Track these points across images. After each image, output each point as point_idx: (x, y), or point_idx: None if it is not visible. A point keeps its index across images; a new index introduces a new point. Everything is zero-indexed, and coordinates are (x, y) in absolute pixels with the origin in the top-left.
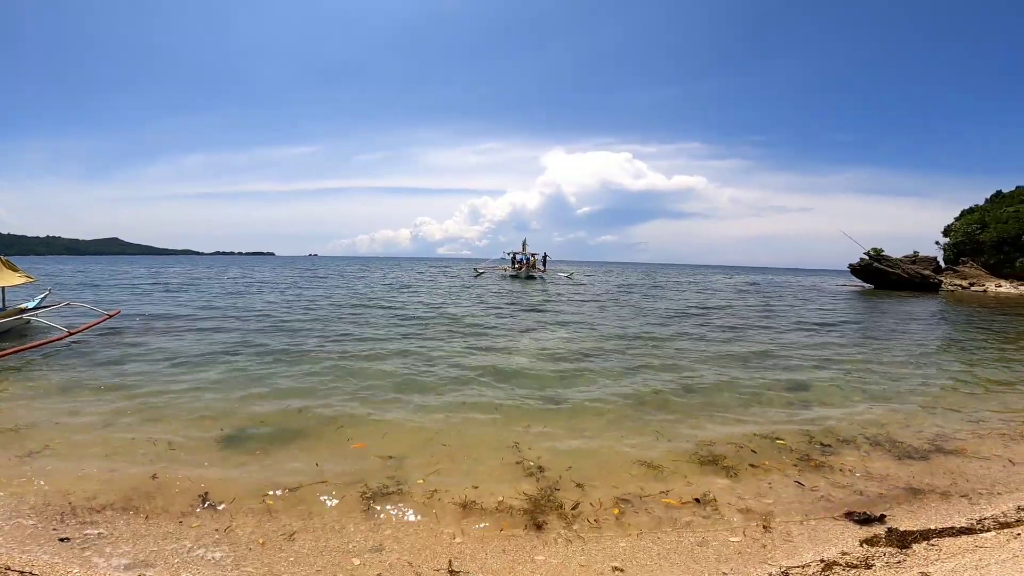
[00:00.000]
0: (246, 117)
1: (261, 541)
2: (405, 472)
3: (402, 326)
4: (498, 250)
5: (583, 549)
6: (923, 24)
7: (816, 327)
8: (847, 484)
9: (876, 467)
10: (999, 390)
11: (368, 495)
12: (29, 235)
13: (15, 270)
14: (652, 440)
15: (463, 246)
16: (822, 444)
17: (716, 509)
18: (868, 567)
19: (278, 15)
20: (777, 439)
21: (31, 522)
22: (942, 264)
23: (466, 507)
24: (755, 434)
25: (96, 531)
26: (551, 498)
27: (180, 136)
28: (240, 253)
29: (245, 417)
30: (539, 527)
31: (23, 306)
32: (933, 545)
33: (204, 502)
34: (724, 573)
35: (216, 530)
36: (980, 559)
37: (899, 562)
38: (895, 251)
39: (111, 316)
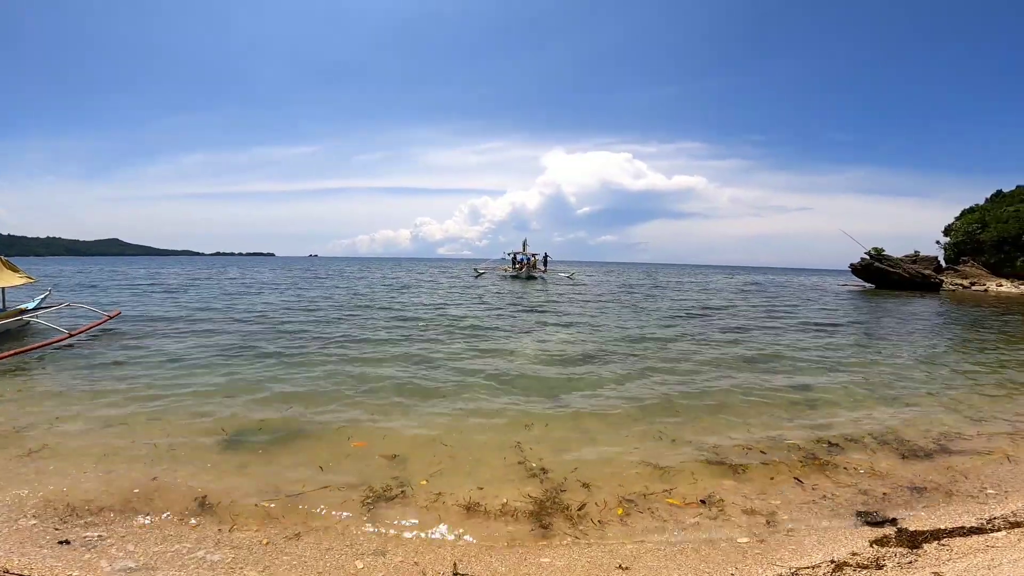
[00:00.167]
0: (246, 117)
1: (263, 543)
2: (408, 473)
3: (403, 327)
4: (498, 250)
5: (588, 550)
6: (923, 24)
7: (820, 327)
8: (854, 484)
9: (883, 467)
10: (1005, 390)
11: (371, 497)
12: (29, 236)
13: (15, 271)
14: (656, 441)
15: (463, 246)
16: (828, 444)
17: (722, 509)
18: (879, 567)
19: (278, 15)
20: (783, 439)
21: (30, 524)
22: (943, 264)
23: (470, 509)
24: (761, 434)
25: (96, 533)
26: (556, 500)
27: (180, 136)
28: (240, 254)
29: (246, 419)
30: (545, 529)
31: (23, 307)
32: (944, 545)
33: (205, 504)
34: (732, 574)
35: (217, 532)
36: (992, 559)
37: (911, 562)
38: (895, 251)
39: (111, 317)
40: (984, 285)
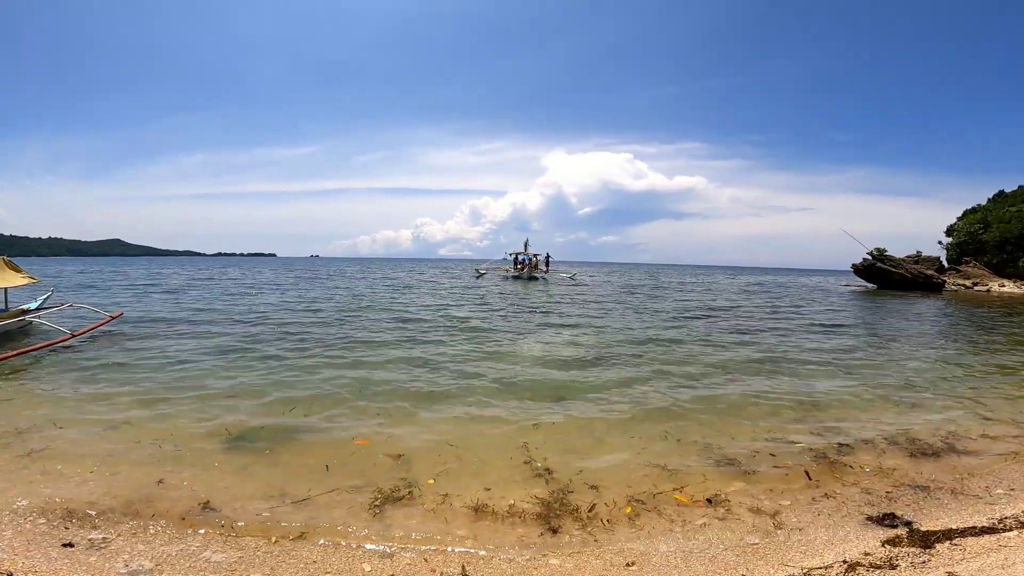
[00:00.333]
0: (246, 117)
1: (269, 545)
2: (414, 474)
3: (405, 328)
4: (499, 251)
5: (597, 552)
6: (923, 23)
7: (825, 328)
8: (863, 484)
9: (892, 467)
10: (1013, 390)
11: (377, 497)
12: (31, 236)
13: (17, 271)
14: (663, 441)
15: (464, 247)
16: (837, 445)
17: (731, 510)
18: (892, 567)
19: (278, 15)
20: (791, 440)
21: (34, 526)
22: (945, 264)
23: (478, 510)
24: (768, 435)
25: (101, 535)
26: (563, 501)
27: (180, 136)
28: (241, 254)
29: (250, 420)
30: (554, 531)
31: (26, 307)
32: (956, 545)
33: (210, 505)
34: (743, 574)
35: (222, 534)
36: (1006, 558)
37: (924, 562)
38: (897, 251)
39: (114, 318)
40: (987, 285)
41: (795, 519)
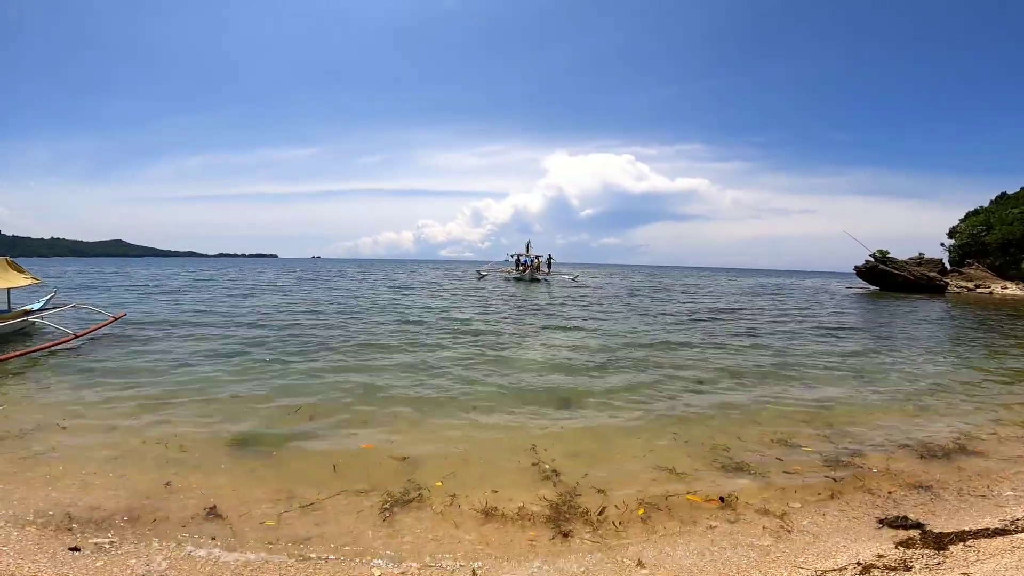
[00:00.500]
0: (247, 118)
1: (278, 550)
2: (421, 476)
3: (408, 330)
4: (500, 252)
5: (610, 556)
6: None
7: (831, 331)
8: (874, 486)
9: (902, 469)
10: (1020, 391)
11: (384, 500)
12: (33, 236)
13: (21, 271)
14: (670, 444)
15: (466, 248)
16: (844, 447)
17: (742, 512)
18: (907, 569)
19: (279, 15)
20: (798, 443)
21: (40, 531)
22: (947, 266)
23: (487, 513)
24: (776, 438)
25: (107, 539)
26: (572, 503)
27: (182, 137)
28: (243, 255)
29: (255, 421)
30: (565, 535)
31: (29, 308)
32: (970, 546)
33: (217, 508)
34: None
35: (229, 537)
36: (1020, 559)
37: (939, 563)
38: (898, 253)
39: (117, 319)
40: (989, 287)
41: (806, 521)
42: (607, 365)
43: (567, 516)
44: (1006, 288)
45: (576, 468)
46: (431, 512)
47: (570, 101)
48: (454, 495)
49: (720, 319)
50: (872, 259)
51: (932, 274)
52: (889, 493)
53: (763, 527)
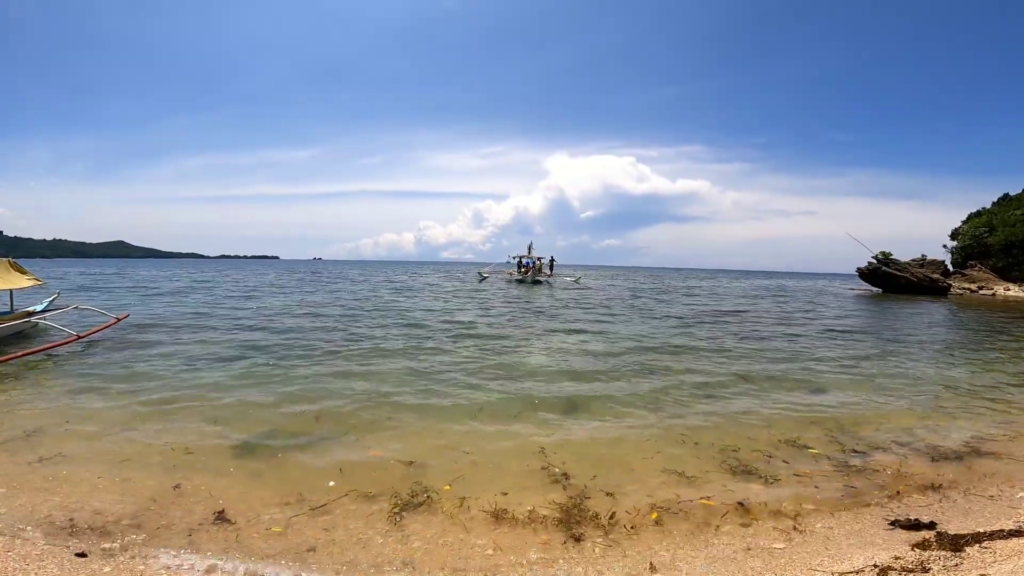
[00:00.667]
0: (248, 119)
1: (288, 555)
2: (429, 480)
3: (411, 333)
4: (501, 254)
5: (622, 561)
6: (925, 24)
7: (836, 333)
8: (886, 488)
9: (914, 471)
10: None
11: (393, 505)
12: (35, 238)
13: (23, 273)
14: (678, 447)
15: (466, 250)
16: (853, 449)
17: (755, 516)
18: (925, 571)
19: (281, 16)
20: (807, 446)
21: (46, 535)
22: (950, 268)
23: (497, 517)
24: (785, 440)
25: (116, 544)
26: (582, 507)
27: (183, 138)
28: (244, 257)
29: (261, 424)
30: (577, 539)
31: (31, 309)
32: (986, 548)
33: (223, 513)
34: None
35: (237, 543)
36: None
37: (956, 565)
38: (899, 254)
39: (119, 320)
40: (992, 289)
41: (819, 524)
42: (613, 368)
43: (578, 519)
44: (1009, 290)
45: (585, 471)
46: (440, 516)
47: (571, 102)
48: (463, 499)
49: (725, 321)
50: (874, 261)
51: (935, 276)
52: (901, 495)
53: (776, 530)
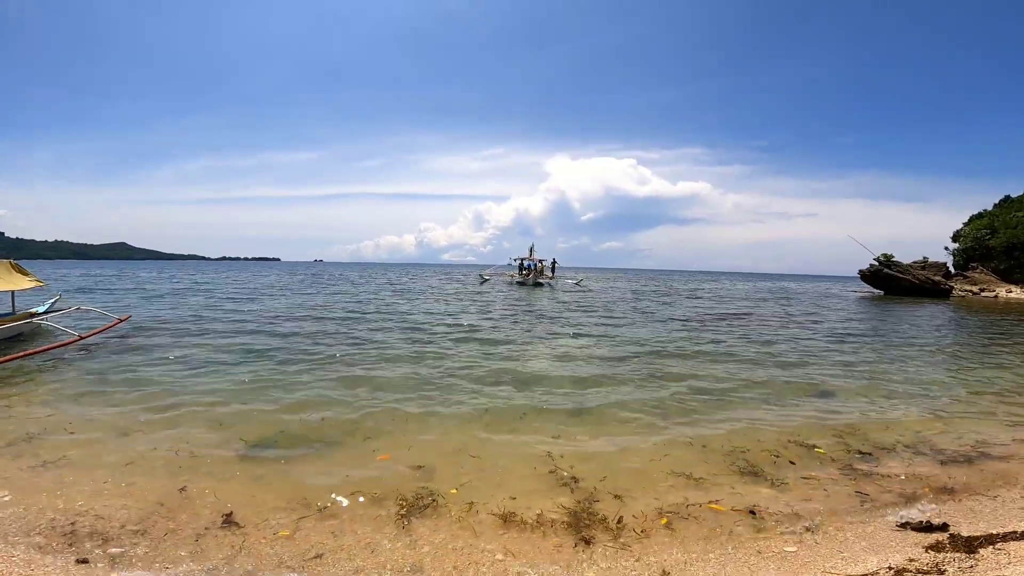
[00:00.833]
0: (250, 122)
1: (296, 560)
2: (436, 484)
3: (413, 335)
4: (502, 256)
5: (634, 564)
6: (926, 26)
7: (841, 335)
8: (895, 490)
9: (923, 473)
10: None
11: (401, 509)
12: (37, 239)
13: (25, 274)
14: (685, 450)
15: (467, 252)
16: (861, 452)
17: (765, 518)
18: (940, 573)
19: (282, 17)
20: (815, 448)
21: (48, 540)
22: (952, 270)
23: (506, 521)
24: (792, 443)
25: (119, 550)
26: (591, 510)
27: (186, 140)
28: (246, 258)
29: (265, 427)
30: (588, 543)
31: (33, 310)
32: (999, 549)
33: (229, 518)
34: None
35: (243, 548)
36: None
37: (971, 567)
38: (900, 256)
39: (121, 321)
40: (994, 291)
41: (831, 526)
42: (618, 371)
43: (587, 523)
44: (1011, 292)
45: (592, 475)
46: (448, 520)
47: (571, 103)
48: (471, 503)
49: (729, 324)
50: (876, 263)
51: (937, 278)
52: (912, 498)
53: (787, 533)
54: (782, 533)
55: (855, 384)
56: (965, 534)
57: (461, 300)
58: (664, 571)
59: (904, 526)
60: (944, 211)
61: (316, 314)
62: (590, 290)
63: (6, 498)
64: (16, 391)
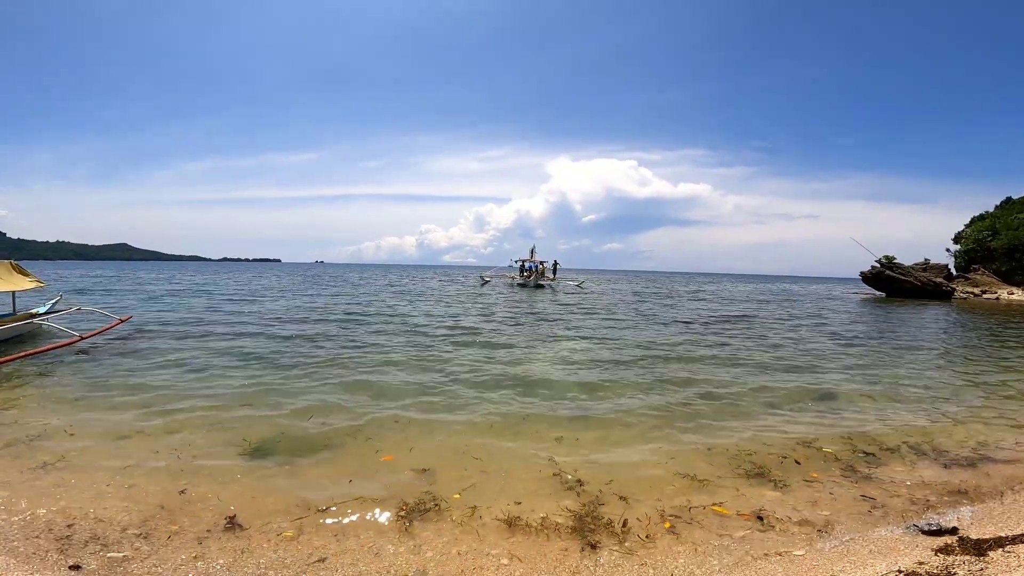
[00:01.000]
0: (251, 123)
1: (301, 564)
2: (440, 487)
3: (415, 338)
4: (503, 258)
5: (640, 570)
6: (927, 27)
7: (846, 338)
8: (901, 493)
9: (926, 476)
10: None
11: (405, 513)
12: (38, 240)
13: (25, 275)
14: (690, 452)
15: (468, 254)
16: (865, 453)
17: (771, 522)
18: None
19: (282, 18)
20: (822, 448)
21: (47, 544)
22: (953, 271)
23: (511, 525)
24: (797, 445)
25: (120, 554)
26: (596, 514)
27: (187, 141)
28: (247, 259)
29: (268, 429)
30: (594, 547)
31: (34, 311)
32: (1009, 552)
33: (231, 521)
34: None
35: (245, 552)
36: None
37: (981, 570)
38: (902, 258)
39: (122, 321)
40: (995, 293)
41: (838, 529)
42: (621, 374)
43: (592, 527)
44: (1012, 294)
45: (597, 478)
46: (452, 524)
47: (572, 105)
48: (474, 507)
49: (733, 326)
50: (878, 265)
51: (938, 280)
52: (921, 501)
53: (794, 536)
54: (789, 536)
55: (861, 387)
56: (974, 537)
57: (462, 302)
58: (671, 574)
59: (913, 529)
60: (945, 212)
61: (317, 316)
62: (592, 292)
63: (5, 501)
64: (16, 392)
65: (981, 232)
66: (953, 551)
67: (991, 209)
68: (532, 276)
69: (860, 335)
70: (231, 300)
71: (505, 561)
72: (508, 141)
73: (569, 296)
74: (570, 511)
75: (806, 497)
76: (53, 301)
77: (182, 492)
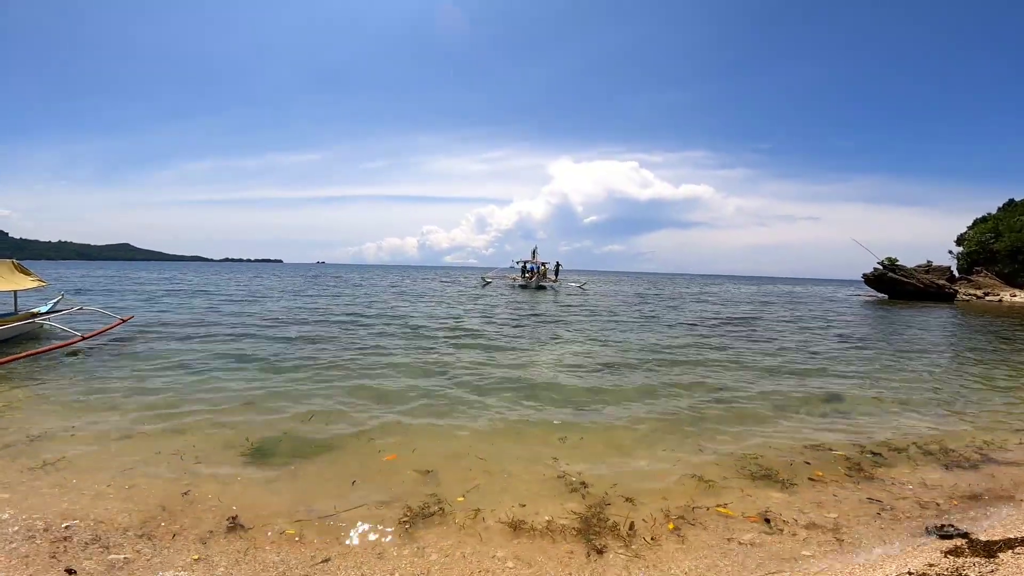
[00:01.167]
0: (253, 123)
1: (303, 567)
2: (443, 489)
3: (417, 339)
4: (504, 259)
5: (647, 573)
6: (928, 29)
7: (850, 340)
8: (908, 495)
9: (932, 478)
10: None
11: (408, 516)
12: (40, 240)
13: (27, 274)
14: (696, 454)
15: (469, 255)
16: (872, 454)
17: (778, 524)
18: None
19: (284, 19)
20: (830, 455)
21: (48, 546)
22: (956, 274)
23: (515, 528)
24: (802, 446)
25: (121, 556)
26: (601, 516)
27: (189, 141)
28: (248, 260)
29: (270, 429)
30: (600, 551)
31: (36, 310)
32: (1019, 554)
33: (234, 522)
34: None
35: (247, 555)
36: None
37: (992, 571)
38: (905, 260)
39: (124, 321)
40: (998, 295)
41: (846, 531)
42: (625, 376)
43: (597, 530)
44: (1015, 296)
45: (601, 480)
46: (456, 527)
47: (574, 106)
48: (478, 509)
49: (737, 328)
50: (881, 267)
51: (941, 282)
52: (930, 503)
53: (802, 539)
54: (797, 539)
55: (867, 390)
56: (984, 539)
57: (463, 303)
58: None
59: (920, 531)
60: (948, 215)
61: (318, 317)
62: (594, 294)
63: (4, 501)
64: (17, 392)
65: (984, 234)
66: (963, 553)
67: (994, 211)
68: (534, 277)
69: (865, 337)
70: (232, 301)
71: (510, 564)
72: (509, 142)
73: (571, 298)
74: (575, 513)
75: (813, 499)
76: (54, 301)
77: (184, 493)
